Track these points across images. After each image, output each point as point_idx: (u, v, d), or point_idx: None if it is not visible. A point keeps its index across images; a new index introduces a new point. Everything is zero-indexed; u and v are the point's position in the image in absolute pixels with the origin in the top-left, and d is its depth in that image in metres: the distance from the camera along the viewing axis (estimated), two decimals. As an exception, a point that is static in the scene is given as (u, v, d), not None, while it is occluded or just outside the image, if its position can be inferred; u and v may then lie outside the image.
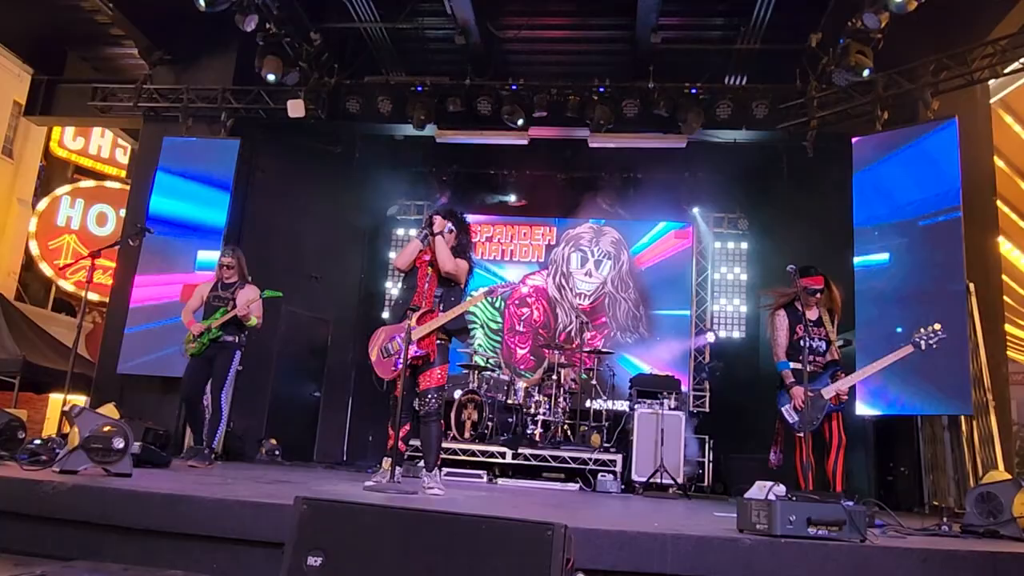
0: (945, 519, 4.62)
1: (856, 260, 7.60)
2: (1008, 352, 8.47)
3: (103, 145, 15.76)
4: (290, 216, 10.17)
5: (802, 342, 5.41)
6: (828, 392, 5.37)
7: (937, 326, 5.26)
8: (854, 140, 7.95)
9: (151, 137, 9.67)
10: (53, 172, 15.31)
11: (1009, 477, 4.59)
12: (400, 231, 12.42)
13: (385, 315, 11.41)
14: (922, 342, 5.23)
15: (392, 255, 12.08)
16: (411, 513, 2.42)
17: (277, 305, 9.37)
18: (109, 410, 4.66)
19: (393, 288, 11.90)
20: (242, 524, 3.04)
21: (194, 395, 6.42)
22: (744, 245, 11.73)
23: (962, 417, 6.76)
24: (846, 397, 5.46)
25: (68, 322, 14.35)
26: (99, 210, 15.25)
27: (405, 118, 9.42)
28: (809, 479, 5.01)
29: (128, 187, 11.10)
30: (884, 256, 7.40)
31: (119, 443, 4.06)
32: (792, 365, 5.56)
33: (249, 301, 6.31)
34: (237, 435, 8.78)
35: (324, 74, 9.48)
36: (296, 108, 9.05)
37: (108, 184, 15.61)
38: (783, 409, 5.54)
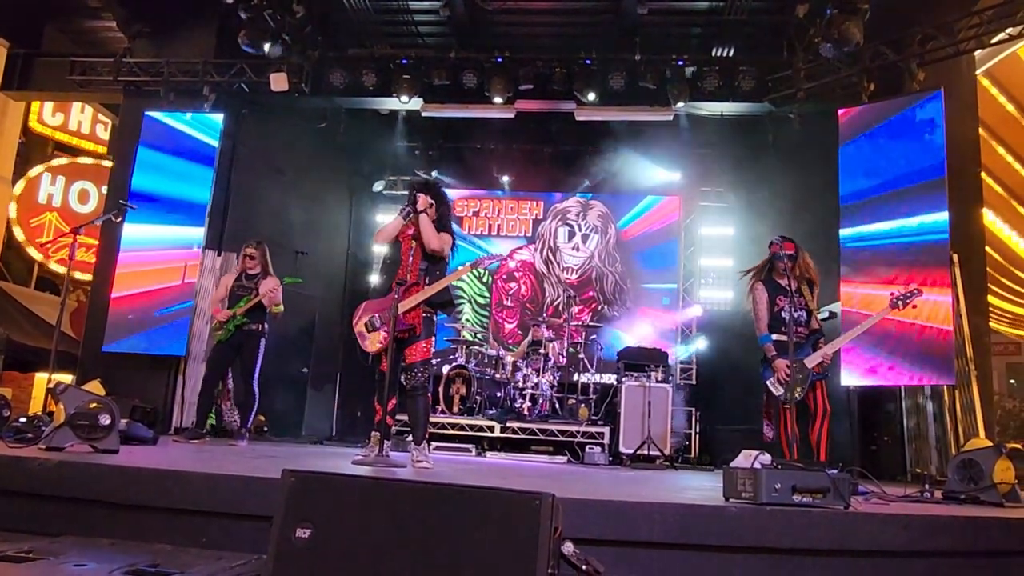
0: (927, 486, 4.68)
1: (842, 232, 7.63)
2: (991, 323, 8.56)
3: (83, 121, 15.53)
4: (275, 192, 10.09)
5: (783, 313, 5.44)
6: (811, 361, 5.41)
7: (913, 285, 5.32)
8: (840, 112, 7.96)
9: (132, 112, 9.54)
10: (32, 148, 15.06)
11: (990, 444, 4.65)
12: (386, 206, 12.34)
13: (372, 287, 11.39)
14: (899, 302, 5.30)
15: (380, 225, 12.01)
16: (399, 484, 2.43)
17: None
18: (95, 387, 4.64)
19: (379, 264, 11.86)
20: (230, 498, 3.05)
21: (215, 378, 6.95)
22: (730, 218, 11.74)
23: (944, 387, 6.83)
24: (829, 362, 5.50)
25: (52, 300, 14.21)
26: (81, 187, 15.06)
27: (390, 92, 9.34)
28: (794, 449, 5.06)
29: (110, 163, 10.96)
30: (870, 228, 7.43)
31: (105, 420, 4.05)
32: (774, 337, 5.60)
33: (270, 289, 6.71)
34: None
35: (307, 47, 9.37)
36: (279, 82, 8.95)
37: (89, 160, 15.40)
38: (767, 382, 5.58)
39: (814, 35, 8.13)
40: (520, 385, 8.62)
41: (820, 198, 8.57)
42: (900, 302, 5.33)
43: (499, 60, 9.19)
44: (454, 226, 5.45)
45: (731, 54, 9.79)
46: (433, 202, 5.17)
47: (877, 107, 7.81)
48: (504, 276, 11.83)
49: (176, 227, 8.82)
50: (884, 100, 7.83)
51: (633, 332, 11.09)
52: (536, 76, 9.17)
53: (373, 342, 4.99)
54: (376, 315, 5.02)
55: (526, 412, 8.42)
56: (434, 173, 11.78)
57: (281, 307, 6.86)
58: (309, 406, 10.55)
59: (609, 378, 9.70)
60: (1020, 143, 9.88)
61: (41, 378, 12.80)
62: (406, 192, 11.72)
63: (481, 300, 11.83)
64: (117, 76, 9.45)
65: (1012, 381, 17.93)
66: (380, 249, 11.82)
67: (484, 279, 11.81)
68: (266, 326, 6.90)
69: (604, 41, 9.54)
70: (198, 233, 8.80)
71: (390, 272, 5.12)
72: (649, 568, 2.97)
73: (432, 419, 7.58)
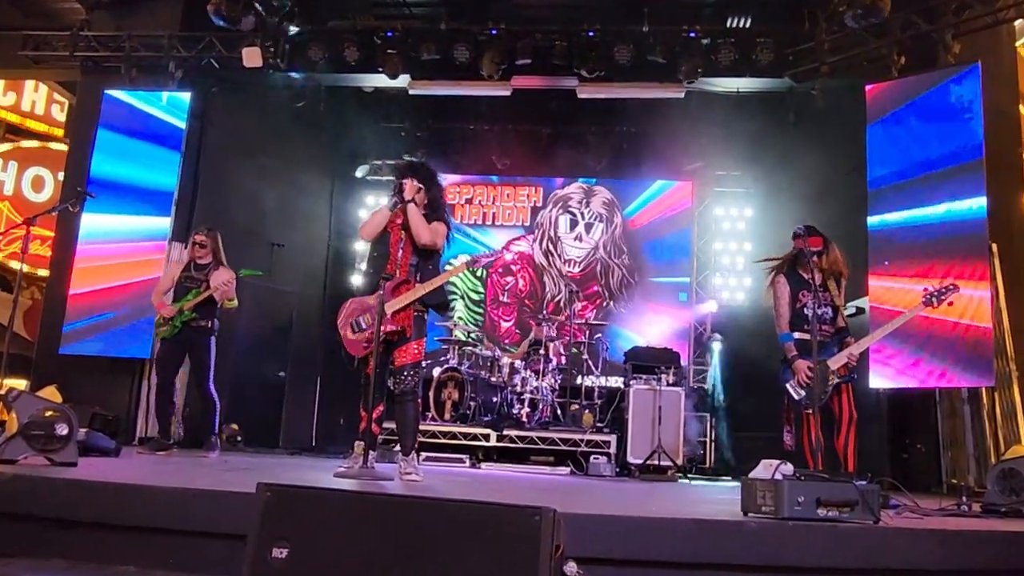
0: (964, 498, 4.68)
1: (870, 220, 7.62)
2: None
3: (37, 100, 15.46)
4: (248, 178, 10.05)
5: (806, 309, 5.43)
6: (835, 362, 5.40)
7: (949, 280, 5.31)
8: (868, 88, 7.94)
9: (91, 91, 9.52)
10: (-18, 131, 15.04)
11: (1033, 452, 4.65)
12: (371, 193, 12.32)
13: (355, 285, 11.37)
14: (933, 299, 5.30)
15: (363, 215, 11.96)
16: (385, 499, 2.43)
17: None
18: (51, 393, 4.63)
19: (364, 256, 11.83)
20: (200, 515, 3.04)
21: (169, 380, 6.77)
22: (748, 204, 11.74)
23: (983, 389, 6.83)
24: (855, 363, 5.49)
25: (3, 298, 14.19)
26: (35, 173, 15.00)
27: (374, 68, 9.30)
28: (818, 459, 5.06)
29: (66, 147, 10.93)
30: (900, 215, 7.42)
31: (62, 429, 4.04)
32: (796, 335, 5.59)
33: (224, 282, 6.54)
34: (194, 422, 8.74)
35: (283, 19, 9.32)
36: (252, 57, 8.91)
37: (45, 144, 15.35)
38: (787, 385, 5.57)
39: (839, 4, 8.11)
40: (518, 389, 8.60)
41: (846, 182, 8.57)
42: (935, 299, 5.32)
43: (494, 32, 9.15)
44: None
45: (748, 25, 9.76)
46: (421, 187, 5.14)
47: (908, 82, 7.78)
48: (500, 270, 11.82)
49: (140, 217, 8.79)
50: (916, 74, 7.80)
51: (642, 330, 11.09)
52: (534, 50, 9.12)
53: (359, 344, 4.98)
54: (362, 315, 5.00)
55: (525, 419, 8.41)
56: (418, 155, 11.72)
57: (235, 302, 6.74)
58: (287, 413, 10.55)
59: (615, 381, 9.70)
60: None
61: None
62: (392, 178, 11.78)
63: (475, 296, 11.83)
64: (74, 51, 9.41)
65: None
66: (362, 251, 11.80)
67: (478, 273, 11.79)
68: (216, 323, 6.80)
69: (609, 11, 9.50)
70: (164, 223, 8.77)
71: (377, 266, 5.10)
72: (660, 589, 2.97)
73: (422, 427, 7.57)
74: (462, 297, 11.77)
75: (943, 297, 5.30)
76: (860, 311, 7.77)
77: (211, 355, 6.72)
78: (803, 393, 5.44)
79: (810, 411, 5.29)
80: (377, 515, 2.34)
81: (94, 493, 3.20)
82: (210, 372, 6.72)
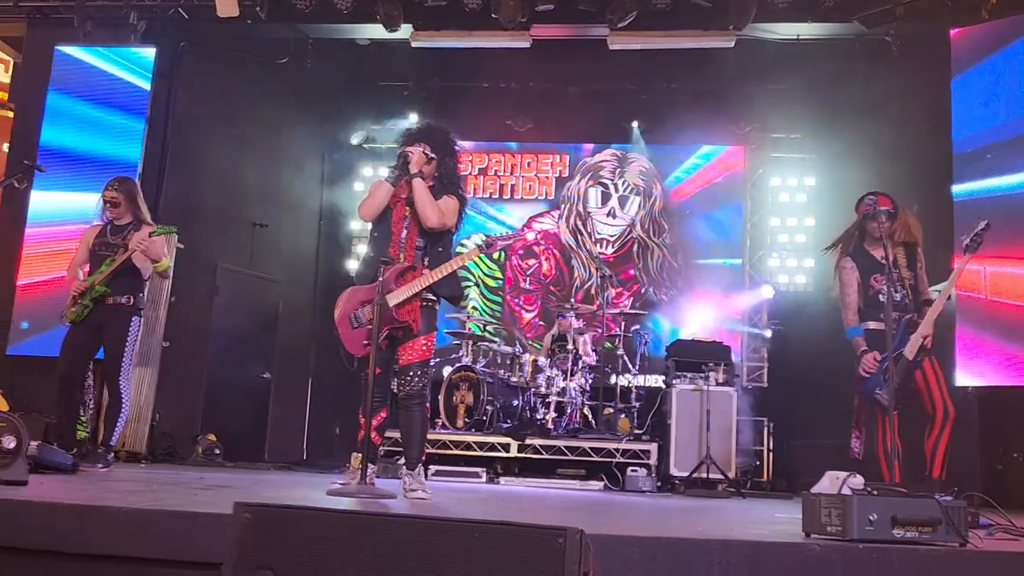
0: (1070, 516, 4.64)
1: (956, 188, 7.56)
2: None
3: (-22, 60, 15.61)
4: (225, 148, 10.09)
5: (880, 296, 5.39)
6: (911, 352, 5.36)
7: (981, 222, 5.35)
8: (953, 33, 7.87)
9: (39, 47, 9.57)
10: (-83, 97, 15.18)
11: None
12: (368, 164, 12.32)
13: (351, 269, 11.37)
14: (972, 246, 5.36)
15: (359, 190, 11.94)
16: (385, 520, 2.42)
17: (211, 263, 9.35)
18: (-4, 400, 4.66)
19: (361, 237, 11.84)
20: (169, 541, 3.04)
21: (74, 375, 6.34)
22: (811, 173, 11.64)
23: (1092, 387, 6.79)
24: (930, 344, 5.45)
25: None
26: (-24, 144, 15.16)
27: (370, 16, 9.28)
28: (895, 468, 5.03)
29: (11, 113, 11.00)
30: (993, 182, 7.35)
31: (10, 442, 4.06)
32: (871, 325, 5.56)
33: (142, 239, 6.12)
34: (164, 431, 8.82)
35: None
36: (226, 5, 8.91)
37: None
38: (875, 393, 5.47)
39: (918, -69, 8.03)
40: (542, 391, 8.61)
41: (927, 145, 8.51)
42: (973, 244, 5.36)
43: (509, -28, 9.13)
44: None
45: (810, -42, 9.68)
46: (435, 157, 5.12)
47: (1000, 25, 7.71)
48: (521, 252, 11.81)
49: (98, 194, 8.81)
50: (1010, 16, 7.71)
51: (686, 321, 11.03)
52: (558, -8, 9.10)
53: (359, 340, 4.97)
54: (361, 307, 4.98)
55: (551, 425, 8.42)
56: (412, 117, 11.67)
57: (166, 262, 6.44)
58: (273, 422, 10.60)
59: (656, 380, 9.68)
60: None
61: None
62: (392, 145, 11.76)
63: (492, 283, 11.83)
64: (19, 1, 9.44)
65: None
66: (359, 231, 11.82)
67: (495, 256, 11.77)
68: (142, 298, 6.41)
69: (645, -54, 9.46)
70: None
71: (377, 248, 5.08)
72: (708, 624, 2.96)
73: (431, 436, 7.60)
74: (477, 284, 11.77)
75: (978, 240, 5.33)
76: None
77: (128, 340, 6.23)
78: (888, 400, 5.39)
79: (888, 416, 5.25)
80: (376, 538, 2.33)
81: (46, 515, 3.21)
82: (122, 362, 6.21)
